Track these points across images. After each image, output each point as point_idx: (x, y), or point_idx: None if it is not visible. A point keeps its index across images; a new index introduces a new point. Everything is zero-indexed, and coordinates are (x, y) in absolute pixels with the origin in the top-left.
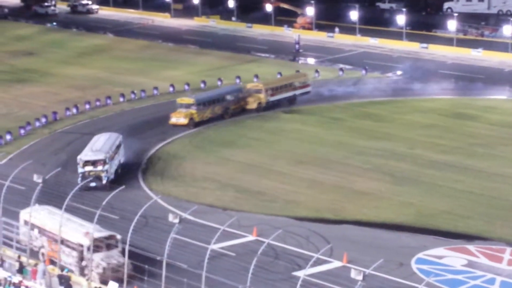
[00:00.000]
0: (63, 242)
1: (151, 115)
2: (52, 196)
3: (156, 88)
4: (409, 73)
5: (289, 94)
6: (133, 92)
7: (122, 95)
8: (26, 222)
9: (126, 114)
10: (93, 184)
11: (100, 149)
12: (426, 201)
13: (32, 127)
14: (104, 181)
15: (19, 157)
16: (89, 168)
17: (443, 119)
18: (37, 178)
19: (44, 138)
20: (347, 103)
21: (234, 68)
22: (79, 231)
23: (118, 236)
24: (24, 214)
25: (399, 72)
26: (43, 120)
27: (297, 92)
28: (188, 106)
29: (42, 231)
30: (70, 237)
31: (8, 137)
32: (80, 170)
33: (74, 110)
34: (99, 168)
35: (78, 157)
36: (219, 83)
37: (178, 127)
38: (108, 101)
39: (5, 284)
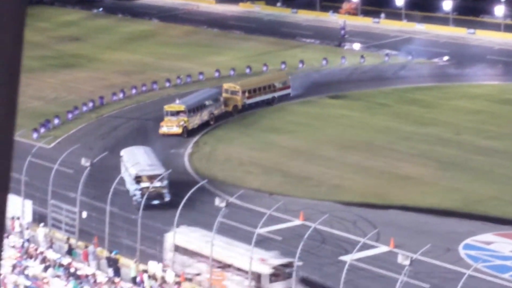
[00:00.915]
0: (228, 268)
1: None
2: (99, 179)
3: (201, 73)
4: (456, 59)
5: (268, 96)
6: (178, 77)
7: (168, 80)
8: (177, 248)
9: (172, 99)
10: (155, 202)
11: (155, 163)
12: (473, 187)
13: (80, 111)
14: (166, 199)
15: (67, 141)
16: (145, 184)
17: (490, 105)
18: (85, 162)
19: (91, 123)
20: (393, 88)
21: (279, 53)
22: (250, 257)
23: (298, 263)
24: (172, 237)
25: (445, 58)
26: (90, 104)
27: (277, 94)
28: (177, 113)
29: (197, 256)
30: (240, 264)
31: (56, 121)
32: (134, 186)
33: (121, 95)
34: (158, 184)
35: (130, 172)
36: (264, 68)
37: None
38: (154, 86)
39: (55, 266)
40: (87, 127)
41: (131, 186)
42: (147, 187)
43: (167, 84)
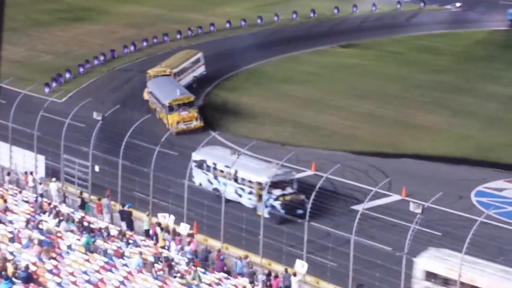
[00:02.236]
0: None
1: (208, 51)
2: (111, 133)
3: (212, 24)
4: (469, 5)
5: (190, 77)
6: (189, 29)
7: (179, 32)
8: (429, 274)
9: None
10: (299, 212)
11: (285, 172)
12: (486, 134)
13: (91, 65)
14: (308, 208)
15: (79, 95)
16: (278, 192)
17: (503, 50)
18: (96, 116)
19: (102, 76)
20: (405, 36)
21: (290, 3)
22: None
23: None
24: (423, 263)
25: (458, 4)
26: (101, 58)
27: (196, 74)
28: (190, 104)
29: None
30: None
31: (67, 75)
32: (266, 196)
33: (132, 48)
34: (290, 190)
35: (259, 180)
36: (275, 18)
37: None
38: (165, 38)
39: (68, 220)
40: (98, 81)
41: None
42: (283, 195)
43: (178, 36)
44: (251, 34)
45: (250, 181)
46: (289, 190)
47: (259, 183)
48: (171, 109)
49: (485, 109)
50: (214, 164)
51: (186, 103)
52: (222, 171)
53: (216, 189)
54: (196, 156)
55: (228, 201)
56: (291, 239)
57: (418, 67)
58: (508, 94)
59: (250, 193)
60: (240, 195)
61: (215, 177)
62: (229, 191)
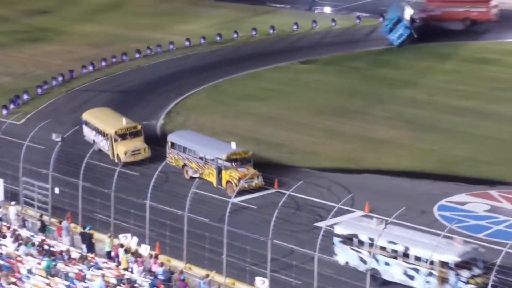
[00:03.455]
0: None
1: (168, 70)
2: (71, 154)
3: (172, 42)
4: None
5: None
6: (149, 48)
7: (138, 51)
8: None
9: (143, 70)
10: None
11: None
12: (447, 148)
13: (49, 86)
14: None
15: (37, 116)
16: (466, 273)
17: (463, 64)
18: (56, 137)
19: (61, 97)
20: (365, 51)
21: (249, 20)
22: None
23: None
24: None
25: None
26: (60, 78)
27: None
28: (247, 160)
29: None
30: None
31: (25, 96)
32: (457, 279)
33: (91, 68)
34: (478, 271)
35: (450, 258)
36: (235, 36)
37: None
38: (124, 58)
39: (28, 243)
40: (57, 102)
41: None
42: (473, 276)
43: (137, 55)
44: (211, 52)
45: (430, 261)
46: (476, 270)
47: (444, 263)
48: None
49: (447, 123)
50: (371, 239)
51: (247, 157)
52: (383, 248)
53: (373, 269)
54: (341, 229)
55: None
56: (255, 257)
57: (379, 82)
58: (467, 107)
59: (430, 274)
60: (411, 277)
61: (372, 255)
62: (395, 272)
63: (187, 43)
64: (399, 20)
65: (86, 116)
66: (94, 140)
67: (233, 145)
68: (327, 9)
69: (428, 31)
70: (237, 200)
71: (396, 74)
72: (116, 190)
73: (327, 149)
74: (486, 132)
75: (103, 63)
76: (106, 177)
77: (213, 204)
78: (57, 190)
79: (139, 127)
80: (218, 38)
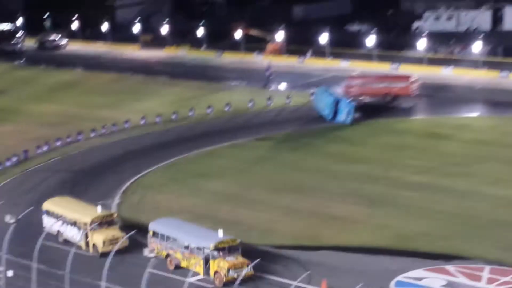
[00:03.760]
0: None
1: (123, 148)
2: (25, 236)
3: (127, 121)
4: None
5: None
6: (104, 127)
7: (93, 130)
8: None
9: (98, 149)
10: None
11: None
12: (404, 223)
13: (3, 166)
14: None
15: None
16: None
17: (417, 139)
18: (9, 219)
19: (15, 178)
20: (320, 127)
21: (205, 97)
22: None
23: None
24: None
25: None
26: (14, 159)
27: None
28: (235, 249)
29: None
30: None
31: None
32: None
33: (45, 148)
34: None
35: None
36: (191, 113)
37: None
38: (79, 137)
39: None
40: (11, 183)
41: None
42: None
43: (93, 134)
44: (167, 130)
45: None
46: None
47: None
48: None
49: (403, 198)
50: None
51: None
52: None
53: None
54: None
55: None
56: None
57: (335, 158)
58: (422, 182)
59: None
60: None
61: None
62: None
63: (142, 121)
64: (337, 100)
65: (48, 205)
66: (59, 231)
67: (220, 232)
68: (282, 86)
69: (380, 107)
70: (193, 279)
71: (351, 150)
72: (71, 272)
73: (284, 226)
74: (441, 207)
75: (58, 143)
76: (60, 258)
77: (169, 284)
78: (10, 273)
79: (114, 215)
80: (174, 116)
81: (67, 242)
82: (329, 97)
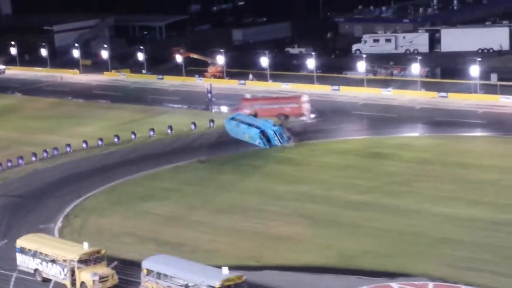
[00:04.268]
0: None
1: (65, 172)
2: None
3: (68, 145)
4: (323, 116)
5: None
6: (45, 151)
7: (34, 154)
8: None
9: (40, 173)
10: None
11: None
12: (347, 242)
13: None
14: None
15: None
16: None
17: (358, 159)
18: None
19: None
20: (262, 149)
21: (147, 120)
22: None
23: None
24: None
25: (312, 115)
26: None
27: None
28: (240, 286)
29: None
30: None
31: None
32: None
33: None
34: None
35: None
36: (133, 137)
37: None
38: (20, 161)
39: None
40: None
41: None
42: None
43: (34, 159)
44: (109, 153)
45: None
46: None
47: None
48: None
49: (345, 217)
50: None
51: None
52: None
53: None
54: None
55: None
56: None
57: (277, 179)
58: (365, 201)
59: None
60: None
61: None
62: None
63: (84, 145)
64: (263, 131)
65: (22, 243)
66: (36, 270)
67: (225, 269)
68: (224, 108)
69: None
70: None
71: (293, 171)
72: None
73: (227, 247)
74: (384, 225)
75: None
76: (3, 283)
77: None
78: None
79: (102, 251)
80: (116, 140)
81: (46, 280)
82: (254, 132)
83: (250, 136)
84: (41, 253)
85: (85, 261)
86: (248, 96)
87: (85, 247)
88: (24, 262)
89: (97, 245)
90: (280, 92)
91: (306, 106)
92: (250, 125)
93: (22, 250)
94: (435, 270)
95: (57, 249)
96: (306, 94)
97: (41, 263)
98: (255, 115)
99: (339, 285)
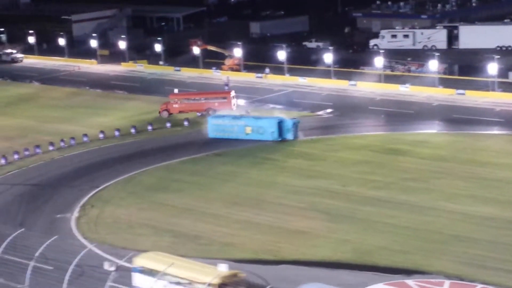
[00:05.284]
0: None
1: (82, 162)
2: None
3: (85, 135)
4: (339, 111)
5: None
6: (62, 140)
7: (52, 144)
8: None
9: (56, 162)
10: None
11: None
12: (363, 238)
13: None
14: None
15: None
16: None
17: (375, 155)
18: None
19: None
20: (279, 143)
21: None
22: None
23: None
24: None
25: (329, 110)
26: None
27: None
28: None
29: None
30: None
31: None
32: None
33: (3, 161)
34: None
35: None
36: (149, 128)
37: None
38: (37, 150)
39: None
40: None
41: None
42: None
43: (51, 148)
44: (126, 144)
45: None
46: None
47: None
48: None
49: (361, 213)
50: None
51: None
52: None
53: None
54: None
55: None
56: None
57: (293, 173)
58: (381, 197)
59: None
60: None
61: None
62: None
63: (101, 135)
64: (280, 121)
65: (143, 262)
66: None
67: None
68: (241, 101)
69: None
70: None
71: (309, 165)
72: (30, 285)
73: (244, 240)
74: (400, 222)
75: (16, 156)
76: (19, 272)
77: None
78: None
79: (242, 275)
80: (133, 130)
81: None
82: (271, 122)
83: (259, 127)
84: (170, 275)
85: (224, 285)
86: (176, 91)
87: (223, 268)
88: (146, 284)
89: (115, 236)
90: (296, 86)
91: (234, 101)
92: (257, 118)
93: (144, 271)
94: (451, 268)
95: (191, 270)
96: (233, 90)
97: (166, 286)
98: (182, 111)
99: (354, 281)
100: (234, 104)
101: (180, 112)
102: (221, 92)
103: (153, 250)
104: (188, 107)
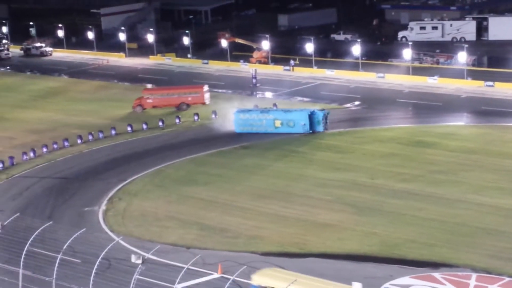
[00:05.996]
0: None
1: (110, 155)
2: (11, 242)
3: (113, 128)
4: (367, 103)
5: None
6: (90, 133)
7: (80, 137)
8: None
9: (85, 155)
10: None
11: None
12: (390, 231)
13: None
14: None
15: None
16: None
17: (403, 147)
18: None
19: (1, 184)
20: (306, 135)
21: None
22: None
23: None
24: None
25: (357, 103)
26: (0, 165)
27: None
28: None
29: None
30: None
31: None
32: None
33: (31, 154)
34: None
35: None
36: (177, 121)
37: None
38: (66, 143)
39: None
40: None
41: None
42: None
43: (79, 141)
44: (153, 137)
45: None
46: None
47: None
48: None
49: (389, 206)
50: None
51: None
52: None
53: None
54: None
55: None
56: None
57: (321, 166)
58: (408, 189)
59: None
60: None
61: None
62: None
63: (129, 128)
64: (311, 113)
65: (262, 280)
66: None
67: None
68: (268, 94)
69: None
70: (180, 286)
71: (337, 158)
72: (58, 278)
73: (270, 233)
74: (427, 214)
75: (44, 149)
76: (47, 264)
77: None
78: None
79: None
80: (160, 124)
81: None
82: (302, 114)
83: (290, 120)
84: None
85: None
86: (149, 86)
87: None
88: None
89: (142, 229)
90: (324, 79)
91: (207, 96)
92: (287, 111)
93: None
94: (478, 261)
95: None
96: (206, 84)
97: None
98: (156, 106)
99: (381, 274)
100: (207, 99)
101: (153, 107)
102: (194, 86)
103: (181, 244)
104: (161, 102)
